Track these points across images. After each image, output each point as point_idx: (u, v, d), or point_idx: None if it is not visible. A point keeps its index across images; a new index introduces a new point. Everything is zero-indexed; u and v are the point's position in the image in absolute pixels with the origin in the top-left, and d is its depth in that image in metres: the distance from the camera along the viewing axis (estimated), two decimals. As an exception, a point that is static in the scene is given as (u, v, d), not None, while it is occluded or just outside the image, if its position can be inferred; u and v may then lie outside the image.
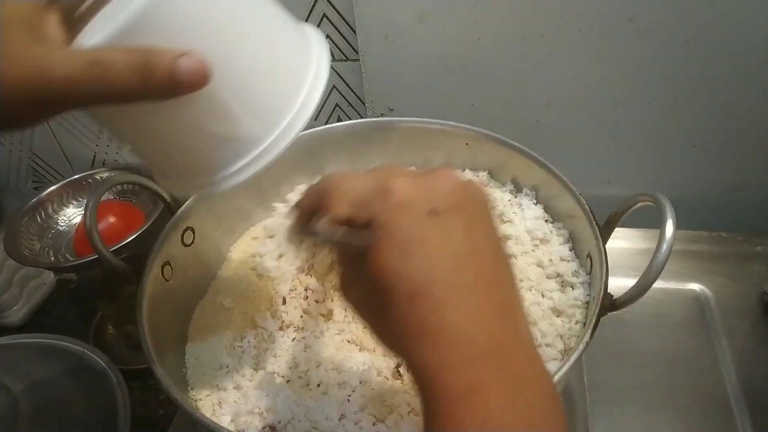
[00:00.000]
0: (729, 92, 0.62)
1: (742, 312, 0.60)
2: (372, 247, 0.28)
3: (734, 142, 0.66)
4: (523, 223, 0.53)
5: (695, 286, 0.63)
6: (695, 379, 0.55)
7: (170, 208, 0.54)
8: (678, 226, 0.68)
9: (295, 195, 0.58)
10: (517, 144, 0.54)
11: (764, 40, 0.58)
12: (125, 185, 0.75)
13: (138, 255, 0.57)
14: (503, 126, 0.56)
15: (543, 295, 0.49)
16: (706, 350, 0.57)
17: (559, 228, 0.54)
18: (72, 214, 0.74)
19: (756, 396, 0.54)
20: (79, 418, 0.56)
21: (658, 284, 0.62)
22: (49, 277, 0.89)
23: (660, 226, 0.40)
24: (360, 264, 0.29)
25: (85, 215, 0.46)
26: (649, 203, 0.43)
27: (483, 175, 0.58)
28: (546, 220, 0.54)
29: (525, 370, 0.27)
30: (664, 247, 0.39)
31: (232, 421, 0.45)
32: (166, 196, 0.54)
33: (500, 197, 0.56)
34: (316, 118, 0.73)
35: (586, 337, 0.40)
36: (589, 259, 0.48)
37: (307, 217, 0.32)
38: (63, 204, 0.75)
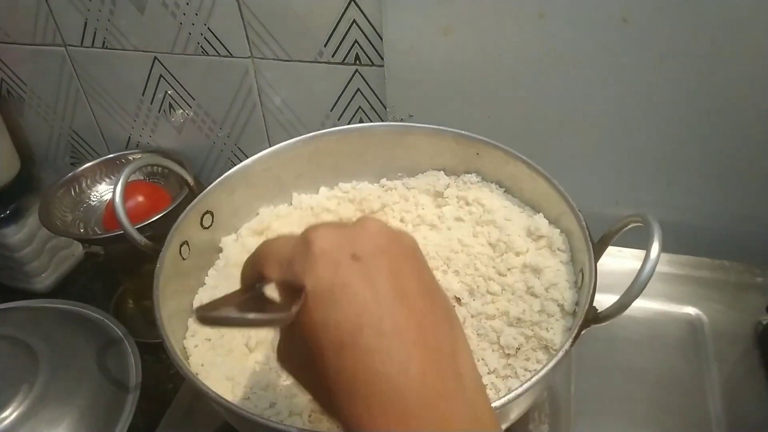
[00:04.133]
0: (744, 124, 0.63)
1: (735, 340, 0.61)
2: (301, 306, 0.27)
3: (746, 173, 0.67)
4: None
5: (691, 310, 0.64)
6: (680, 399, 0.57)
7: (193, 191, 0.58)
8: (681, 251, 0.70)
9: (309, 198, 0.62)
10: (525, 158, 0.56)
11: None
12: (155, 167, 0.79)
13: (161, 235, 0.61)
14: (517, 140, 0.58)
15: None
16: (694, 373, 0.59)
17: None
18: (104, 191, 0.79)
19: (738, 422, 0.55)
20: (93, 380, 0.60)
21: (656, 305, 0.65)
22: (78, 249, 0.94)
23: (647, 246, 0.42)
24: (293, 327, 0.28)
25: (114, 190, 0.49)
26: (640, 224, 0.44)
27: (471, 177, 0.61)
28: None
29: (464, 423, 0.25)
30: (648, 267, 0.41)
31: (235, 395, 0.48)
32: (189, 180, 0.58)
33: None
34: (339, 119, 0.76)
35: (566, 346, 0.42)
36: (581, 274, 0.50)
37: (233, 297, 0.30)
38: (96, 180, 0.79)
